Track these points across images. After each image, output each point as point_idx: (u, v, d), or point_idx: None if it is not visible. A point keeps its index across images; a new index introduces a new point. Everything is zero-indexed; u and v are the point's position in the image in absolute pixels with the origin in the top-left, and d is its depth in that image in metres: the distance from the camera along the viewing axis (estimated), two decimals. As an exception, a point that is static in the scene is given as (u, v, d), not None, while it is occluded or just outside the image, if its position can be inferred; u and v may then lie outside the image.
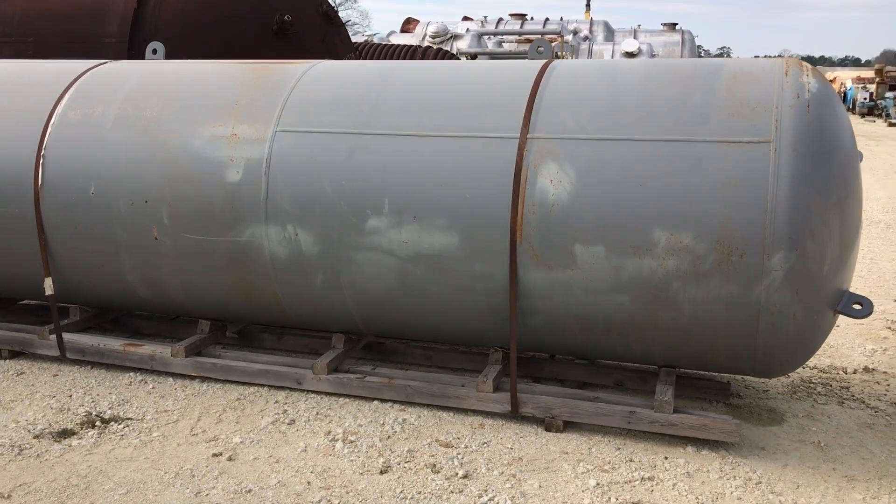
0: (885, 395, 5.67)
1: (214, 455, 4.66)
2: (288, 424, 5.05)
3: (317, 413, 5.20)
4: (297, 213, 5.12)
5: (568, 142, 4.69)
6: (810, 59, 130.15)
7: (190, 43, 9.12)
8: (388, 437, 4.88)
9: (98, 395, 5.49)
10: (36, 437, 4.88)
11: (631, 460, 4.67)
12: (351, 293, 5.23)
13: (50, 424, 5.04)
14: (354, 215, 5.01)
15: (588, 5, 44.45)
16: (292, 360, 5.80)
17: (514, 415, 5.11)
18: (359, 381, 5.40)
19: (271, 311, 5.59)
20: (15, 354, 6.20)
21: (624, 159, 4.59)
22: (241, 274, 5.41)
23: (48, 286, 5.86)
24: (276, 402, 5.37)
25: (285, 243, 5.19)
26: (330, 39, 9.93)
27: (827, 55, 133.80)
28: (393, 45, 16.90)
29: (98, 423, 5.03)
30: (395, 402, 5.33)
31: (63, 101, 5.77)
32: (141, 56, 8.96)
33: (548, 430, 5.02)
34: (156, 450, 4.73)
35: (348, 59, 10.27)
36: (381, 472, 4.47)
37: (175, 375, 5.79)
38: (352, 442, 4.80)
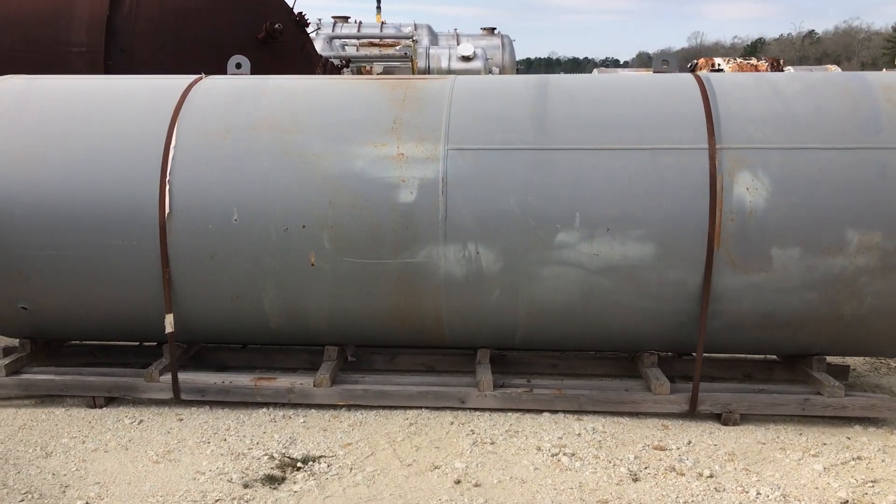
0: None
1: (457, 482, 4.55)
2: (490, 444, 4.99)
3: (506, 430, 5.17)
4: (479, 232, 5.07)
5: (757, 151, 4.99)
6: (575, 61, 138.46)
7: (168, 52, 8.57)
8: (599, 446, 4.97)
9: (256, 436, 5.14)
10: (245, 486, 4.52)
11: (824, 444, 5.05)
12: (527, 308, 5.24)
13: (244, 472, 4.68)
14: (543, 230, 5.04)
15: (378, 8, 44.93)
16: (441, 380, 5.70)
17: (691, 413, 5.35)
18: (528, 395, 5.42)
19: (425, 332, 5.48)
20: (109, 401, 5.64)
21: (812, 166, 4.95)
22: (404, 296, 5.26)
23: (169, 323, 5.39)
24: (451, 423, 5.28)
25: (464, 262, 5.12)
26: (306, 48, 9.61)
27: (590, 56, 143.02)
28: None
29: (299, 465, 4.74)
30: (566, 412, 5.40)
31: (179, 122, 5.32)
32: (118, 68, 8.33)
33: (725, 424, 5.31)
34: (390, 485, 4.54)
35: (319, 69, 9.99)
36: (635, 481, 4.56)
37: (316, 406, 5.52)
38: (573, 455, 4.84)
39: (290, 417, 5.41)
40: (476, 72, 27.39)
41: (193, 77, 5.76)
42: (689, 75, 5.49)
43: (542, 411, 5.42)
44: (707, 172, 4.97)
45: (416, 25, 33.99)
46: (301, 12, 9.56)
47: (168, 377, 5.57)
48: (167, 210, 5.17)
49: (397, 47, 25.78)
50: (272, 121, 5.30)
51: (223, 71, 8.19)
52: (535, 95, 5.35)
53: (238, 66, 6.03)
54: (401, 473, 4.66)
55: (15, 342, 6.64)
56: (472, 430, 5.16)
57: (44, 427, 5.29)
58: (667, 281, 5.07)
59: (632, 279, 5.07)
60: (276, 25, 8.73)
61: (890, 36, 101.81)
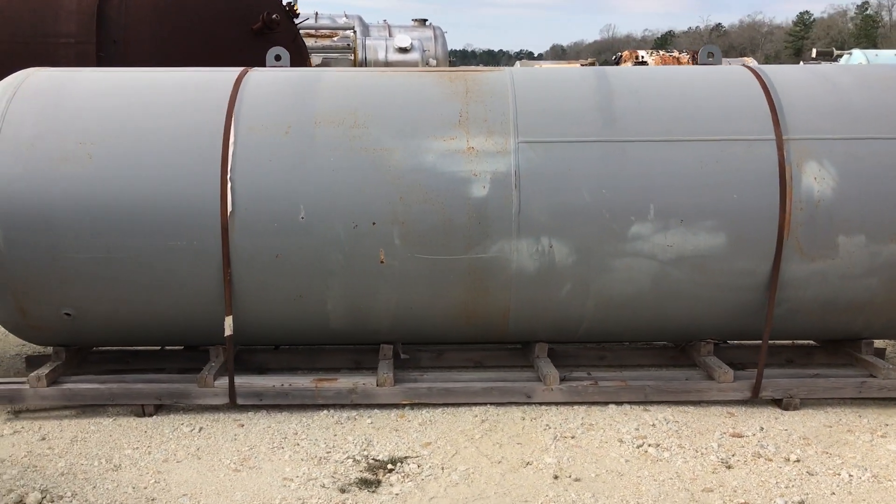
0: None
1: (556, 478, 4.52)
2: (571, 438, 4.98)
3: (580, 424, 5.16)
4: (552, 225, 5.04)
5: (822, 142, 5.10)
6: (490, 53, 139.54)
7: (161, 43, 8.27)
8: (678, 435, 5.01)
9: (328, 439, 5.00)
10: (342, 490, 4.40)
11: (887, 424, 5.21)
12: (596, 301, 5.25)
13: (334, 476, 4.54)
14: (617, 223, 5.05)
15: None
16: (499, 375, 5.66)
17: (752, 400, 5.44)
18: (594, 388, 5.43)
19: (489, 327, 5.43)
20: (157, 408, 5.40)
21: (874, 156, 5.09)
22: (473, 292, 5.20)
23: (228, 326, 5.20)
24: (523, 418, 5.24)
25: (536, 256, 5.08)
26: (298, 38, 9.38)
27: (505, 49, 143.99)
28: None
29: (389, 466, 4.64)
30: (631, 403, 5.42)
31: (236, 117, 5.12)
32: (111, 60, 8.00)
33: (785, 409, 5.42)
34: (490, 483, 4.47)
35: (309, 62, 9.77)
36: (728, 468, 4.62)
37: (379, 406, 5.40)
38: (657, 445, 4.87)
39: (354, 419, 5.28)
40: (413, 63, 27.24)
41: (237, 69, 5.55)
42: (741, 67, 5.58)
43: (607, 403, 5.43)
44: (776, 163, 5.05)
45: (346, 15, 33.65)
46: (291, 2, 9.33)
47: (222, 382, 5.37)
48: (229, 209, 4.97)
49: (335, 38, 25.44)
50: (334, 116, 5.15)
51: (219, 61, 7.94)
52: (597, 87, 5.35)
53: (277, 58, 5.83)
54: (495, 471, 4.60)
55: (36, 350, 6.34)
56: (547, 425, 5.14)
57: (98, 439, 5.04)
58: (735, 270, 5.14)
59: (702, 269, 5.12)
60: (274, 15, 8.49)
61: (791, 30, 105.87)
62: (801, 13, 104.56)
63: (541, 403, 5.42)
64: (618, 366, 6.03)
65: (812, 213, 5.05)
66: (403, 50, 28.78)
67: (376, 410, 5.39)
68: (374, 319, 5.35)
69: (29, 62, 7.85)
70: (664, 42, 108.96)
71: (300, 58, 9.42)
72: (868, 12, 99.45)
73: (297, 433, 5.09)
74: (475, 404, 5.41)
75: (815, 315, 5.34)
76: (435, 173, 5.04)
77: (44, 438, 5.05)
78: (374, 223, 5.02)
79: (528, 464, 4.68)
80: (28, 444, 4.94)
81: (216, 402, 5.38)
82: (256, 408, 5.42)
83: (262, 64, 7.99)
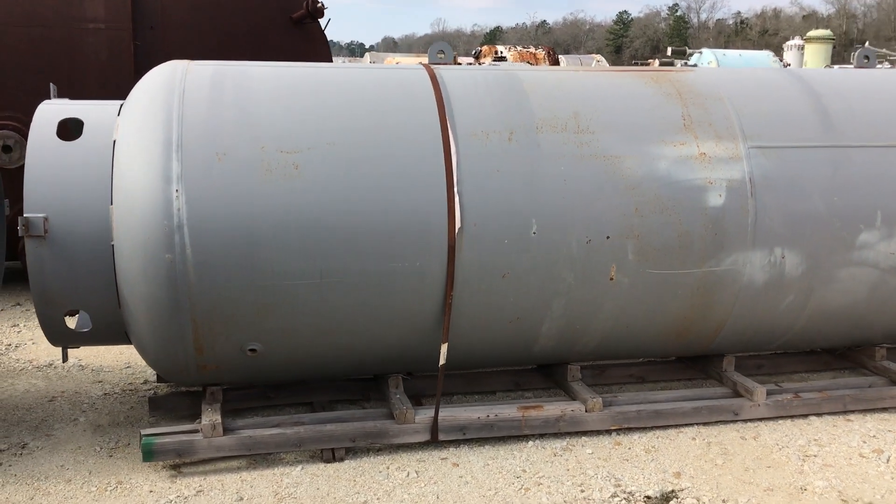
0: None
1: (845, 502, 4.30)
2: (814, 456, 4.78)
3: (807, 440, 4.97)
4: (787, 235, 4.82)
5: None
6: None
7: (199, 31, 7.41)
8: (904, 445, 4.93)
9: (563, 475, 4.55)
10: (647, 536, 4.00)
11: None
12: (811, 312, 5.08)
13: (620, 520, 4.14)
14: (846, 231, 4.89)
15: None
16: (694, 393, 5.37)
17: (943, 402, 5.45)
18: (797, 401, 5.26)
19: (695, 343, 5.16)
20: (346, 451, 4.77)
21: None
22: (696, 307, 4.90)
23: (443, 354, 4.64)
24: (743, 437, 5.00)
25: (768, 267, 4.84)
26: (323, 31, 8.64)
27: (336, 40, 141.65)
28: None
29: (669, 502, 4.27)
30: (831, 413, 5.30)
31: (450, 122, 4.55)
32: (149, 49, 7.10)
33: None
34: (788, 514, 4.21)
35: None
36: None
37: (587, 433, 5.00)
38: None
39: (568, 449, 4.86)
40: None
41: (410, 66, 4.94)
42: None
43: (807, 416, 5.28)
44: None
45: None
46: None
47: (425, 416, 4.79)
48: (457, 225, 4.41)
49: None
50: (555, 120, 4.68)
51: (256, 50, 7.26)
52: (803, 89, 5.15)
53: (441, 53, 5.25)
54: (780, 499, 4.33)
55: (151, 388, 5.49)
56: (776, 444, 4.92)
57: (321, 493, 4.35)
58: (950, 276, 5.10)
59: (919, 276, 5.05)
60: (319, 3, 7.75)
61: (611, 28, 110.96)
62: (620, 12, 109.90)
63: (747, 420, 5.19)
64: (776, 373, 5.90)
65: None
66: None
67: (584, 438, 4.98)
68: (583, 340, 4.94)
69: (50, 49, 6.82)
70: (493, 37, 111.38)
71: (327, 50, 8.70)
72: (679, 13, 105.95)
73: (524, 470, 4.61)
74: (683, 425, 5.11)
75: None
76: (669, 182, 4.68)
77: (242, 499, 4.31)
78: (607, 237, 4.60)
79: (803, 489, 4.44)
80: (236, 507, 4.22)
81: (416, 439, 4.80)
82: (456, 443, 4.88)
83: (304, 54, 7.32)
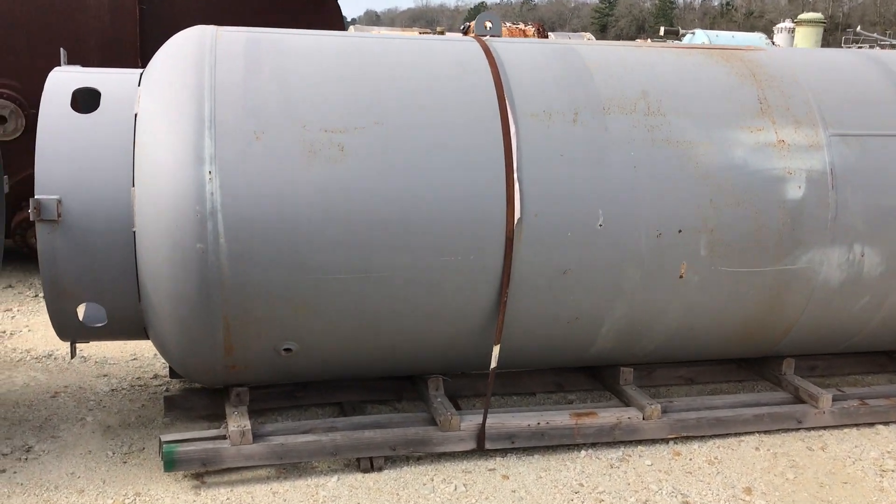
0: None
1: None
2: (893, 472, 4.43)
3: (882, 452, 4.62)
4: (867, 232, 4.44)
5: None
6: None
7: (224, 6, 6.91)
8: None
9: (622, 489, 4.18)
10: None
11: None
12: (884, 315, 4.71)
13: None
14: (928, 228, 4.51)
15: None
16: (752, 399, 4.99)
17: None
18: (864, 408, 4.90)
19: (761, 344, 4.80)
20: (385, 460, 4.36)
21: None
22: (767, 307, 4.51)
23: (495, 356, 4.23)
24: (810, 448, 4.64)
25: (846, 266, 4.46)
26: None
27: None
28: None
29: (747, 525, 3.90)
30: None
31: (509, 94, 4.11)
32: (156, 15, 6.59)
33: None
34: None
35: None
36: None
37: (643, 442, 4.62)
38: None
39: (625, 460, 4.47)
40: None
41: (462, 39, 4.48)
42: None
43: (874, 424, 4.93)
44: None
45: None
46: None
47: (471, 423, 4.38)
48: (517, 215, 3.98)
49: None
50: (623, 100, 4.25)
51: (270, 18, 6.83)
52: (883, 72, 4.76)
53: (488, 25, 4.80)
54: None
55: (162, 383, 5.04)
56: (848, 457, 4.57)
57: (349, 508, 3.96)
58: None
59: None
60: (335, -30, 7.25)
61: (597, 7, 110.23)
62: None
63: (810, 428, 4.83)
64: (830, 374, 5.55)
65: None
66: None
67: (640, 447, 4.60)
68: (643, 342, 4.54)
69: (47, 9, 6.32)
70: (477, 13, 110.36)
71: (341, 22, 8.20)
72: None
73: (582, 484, 4.22)
74: (744, 434, 4.74)
75: None
76: (746, 171, 4.27)
77: (280, 514, 3.90)
78: (679, 230, 4.19)
79: (889, 510, 4.09)
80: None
81: (461, 448, 4.40)
82: (503, 452, 4.48)
83: (315, 24, 6.85)
